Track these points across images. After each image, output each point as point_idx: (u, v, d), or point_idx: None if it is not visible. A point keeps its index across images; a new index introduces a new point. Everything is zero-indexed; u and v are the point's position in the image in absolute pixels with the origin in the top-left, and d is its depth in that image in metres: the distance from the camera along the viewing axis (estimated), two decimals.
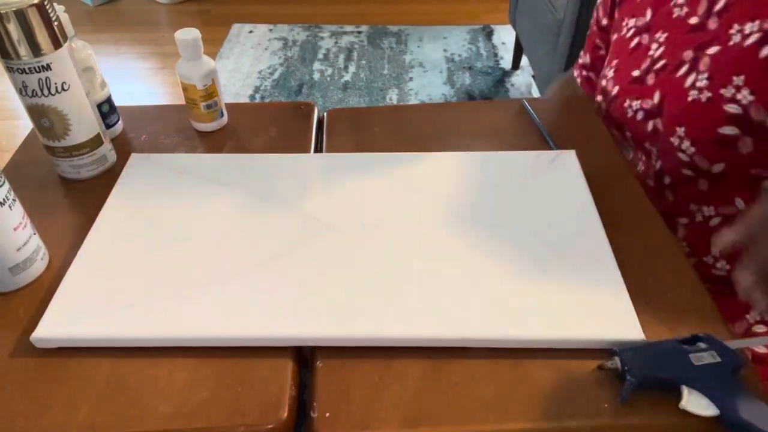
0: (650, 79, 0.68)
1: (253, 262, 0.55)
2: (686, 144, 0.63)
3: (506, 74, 2.18)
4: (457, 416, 0.44)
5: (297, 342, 0.50)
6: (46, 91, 0.58)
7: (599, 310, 0.50)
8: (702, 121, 0.62)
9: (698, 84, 0.62)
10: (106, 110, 0.72)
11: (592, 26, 0.88)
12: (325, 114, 0.78)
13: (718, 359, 0.44)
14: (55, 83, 0.58)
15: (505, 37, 2.40)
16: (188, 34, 0.69)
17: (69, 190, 0.66)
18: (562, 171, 0.65)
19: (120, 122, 0.75)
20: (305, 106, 0.79)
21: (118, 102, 0.74)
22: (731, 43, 0.60)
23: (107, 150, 0.67)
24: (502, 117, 0.77)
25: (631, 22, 0.75)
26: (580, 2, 1.34)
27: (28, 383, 0.47)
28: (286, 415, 0.44)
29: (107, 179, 0.66)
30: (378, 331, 0.49)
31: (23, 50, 0.55)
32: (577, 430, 0.44)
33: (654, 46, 0.69)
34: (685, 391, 0.43)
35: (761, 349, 0.61)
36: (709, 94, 0.61)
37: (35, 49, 0.56)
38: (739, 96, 0.58)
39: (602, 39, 0.85)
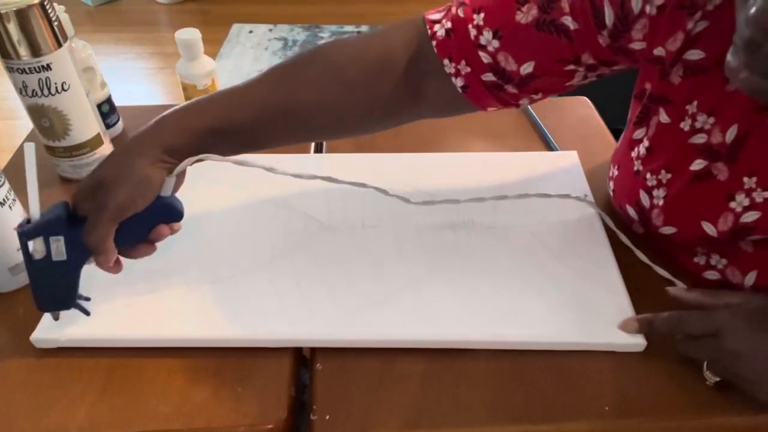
0: None
1: (253, 263, 0.55)
2: None
3: None
4: (457, 418, 0.44)
5: (297, 343, 0.49)
6: (46, 91, 0.58)
7: (599, 311, 0.50)
8: None
9: None
10: (106, 110, 0.72)
11: None
12: None
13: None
14: (55, 83, 0.58)
15: None
16: (188, 34, 0.69)
17: (69, 190, 0.66)
18: (564, 172, 0.65)
19: (120, 122, 0.75)
20: None
21: (118, 102, 0.74)
22: None
23: (107, 150, 0.67)
24: (502, 117, 0.76)
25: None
26: None
27: (28, 383, 0.47)
28: (285, 415, 0.44)
29: None
30: (378, 332, 0.49)
31: (23, 50, 0.55)
32: None
33: None
34: None
35: None
36: None
37: (35, 49, 0.55)
38: None
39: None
